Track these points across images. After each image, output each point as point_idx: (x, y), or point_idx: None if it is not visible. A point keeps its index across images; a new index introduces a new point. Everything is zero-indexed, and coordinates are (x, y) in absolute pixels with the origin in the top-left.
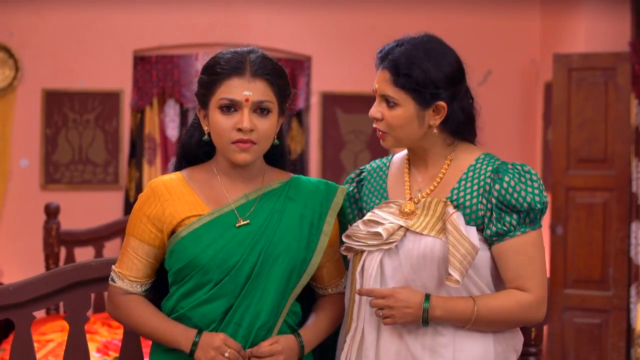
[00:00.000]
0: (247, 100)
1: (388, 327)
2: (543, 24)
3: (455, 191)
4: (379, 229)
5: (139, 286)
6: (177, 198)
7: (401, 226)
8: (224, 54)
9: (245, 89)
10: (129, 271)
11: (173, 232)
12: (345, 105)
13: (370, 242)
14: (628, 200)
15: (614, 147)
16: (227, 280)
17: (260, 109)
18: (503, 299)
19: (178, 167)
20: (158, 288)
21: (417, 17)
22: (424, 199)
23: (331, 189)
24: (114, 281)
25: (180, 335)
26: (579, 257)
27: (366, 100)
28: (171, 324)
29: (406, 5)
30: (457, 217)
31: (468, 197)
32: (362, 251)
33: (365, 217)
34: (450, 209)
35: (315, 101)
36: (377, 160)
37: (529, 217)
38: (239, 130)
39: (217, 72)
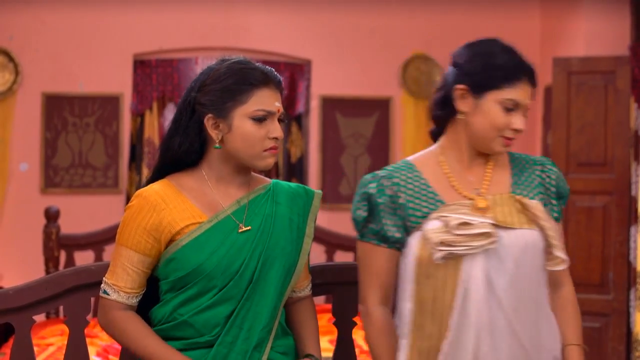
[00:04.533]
0: (278, 110)
1: (499, 332)
2: (542, 28)
3: (515, 186)
4: (486, 230)
5: (134, 298)
6: (174, 207)
7: (491, 223)
8: (242, 63)
9: (275, 100)
10: (124, 283)
11: (171, 240)
12: (345, 109)
13: (473, 244)
14: (628, 204)
15: (613, 151)
16: (231, 285)
17: (279, 119)
18: (576, 317)
19: (161, 175)
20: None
21: (416, 22)
22: (493, 196)
23: (310, 194)
24: (107, 293)
25: None
26: (579, 261)
27: (365, 104)
28: (170, 350)
29: (405, 9)
30: (538, 204)
31: (528, 189)
32: (461, 256)
33: (452, 222)
34: (528, 199)
35: (315, 105)
36: (396, 173)
37: (563, 205)
38: (273, 138)
39: (248, 82)
